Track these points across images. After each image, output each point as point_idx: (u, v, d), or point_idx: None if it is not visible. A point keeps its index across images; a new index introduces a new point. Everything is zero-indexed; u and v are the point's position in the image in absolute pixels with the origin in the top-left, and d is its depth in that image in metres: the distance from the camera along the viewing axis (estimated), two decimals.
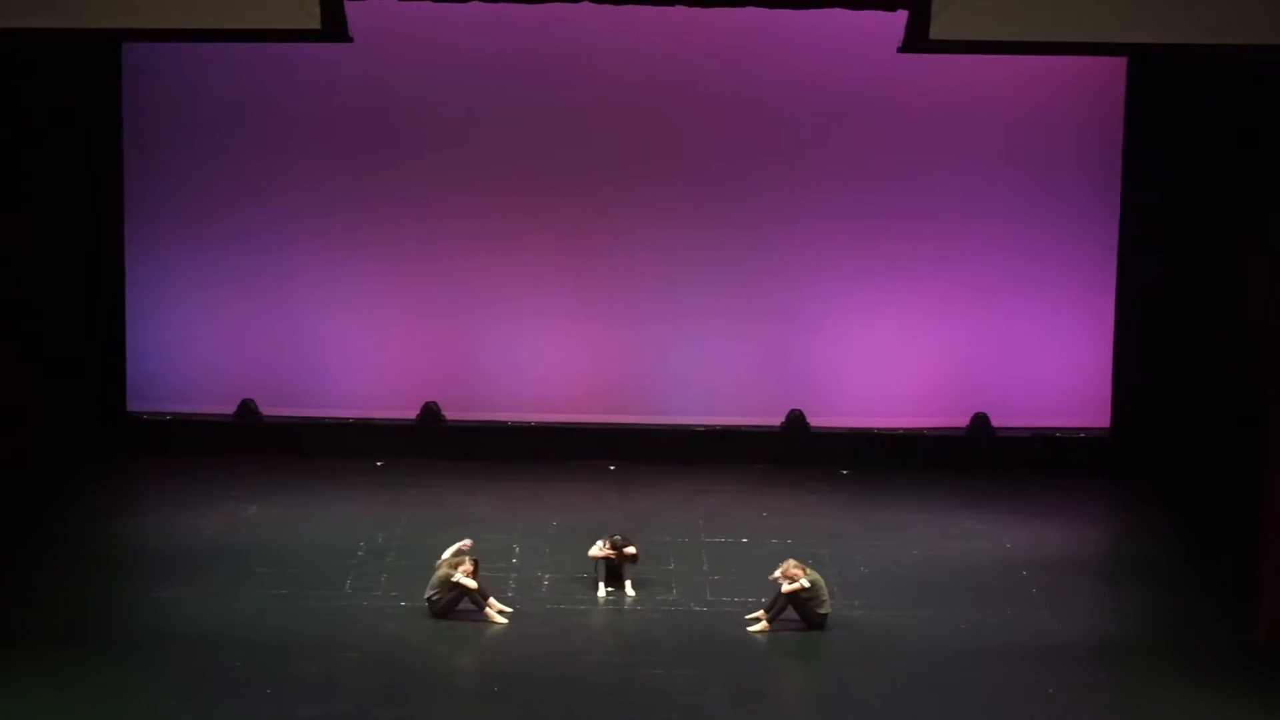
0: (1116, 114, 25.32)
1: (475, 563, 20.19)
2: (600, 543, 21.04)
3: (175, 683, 18.21)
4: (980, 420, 25.84)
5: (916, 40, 19.14)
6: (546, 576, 21.46)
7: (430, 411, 25.93)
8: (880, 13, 20.12)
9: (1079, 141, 25.51)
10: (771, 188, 25.55)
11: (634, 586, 20.96)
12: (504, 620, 20.07)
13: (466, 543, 20.45)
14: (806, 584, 19.88)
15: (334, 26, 19.01)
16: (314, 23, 18.81)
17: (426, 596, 20.12)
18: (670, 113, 25.42)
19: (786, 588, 19.89)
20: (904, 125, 25.42)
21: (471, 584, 20.01)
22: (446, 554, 20.34)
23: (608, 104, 25.42)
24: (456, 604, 20.06)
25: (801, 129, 25.46)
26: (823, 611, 19.96)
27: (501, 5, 22.13)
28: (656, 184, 25.56)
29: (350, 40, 19.63)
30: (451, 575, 20.04)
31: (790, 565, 20.04)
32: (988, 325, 25.79)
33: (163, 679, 18.33)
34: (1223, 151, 24.52)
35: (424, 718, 17.91)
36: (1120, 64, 24.99)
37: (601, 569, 21.01)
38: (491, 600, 20.17)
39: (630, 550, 21.01)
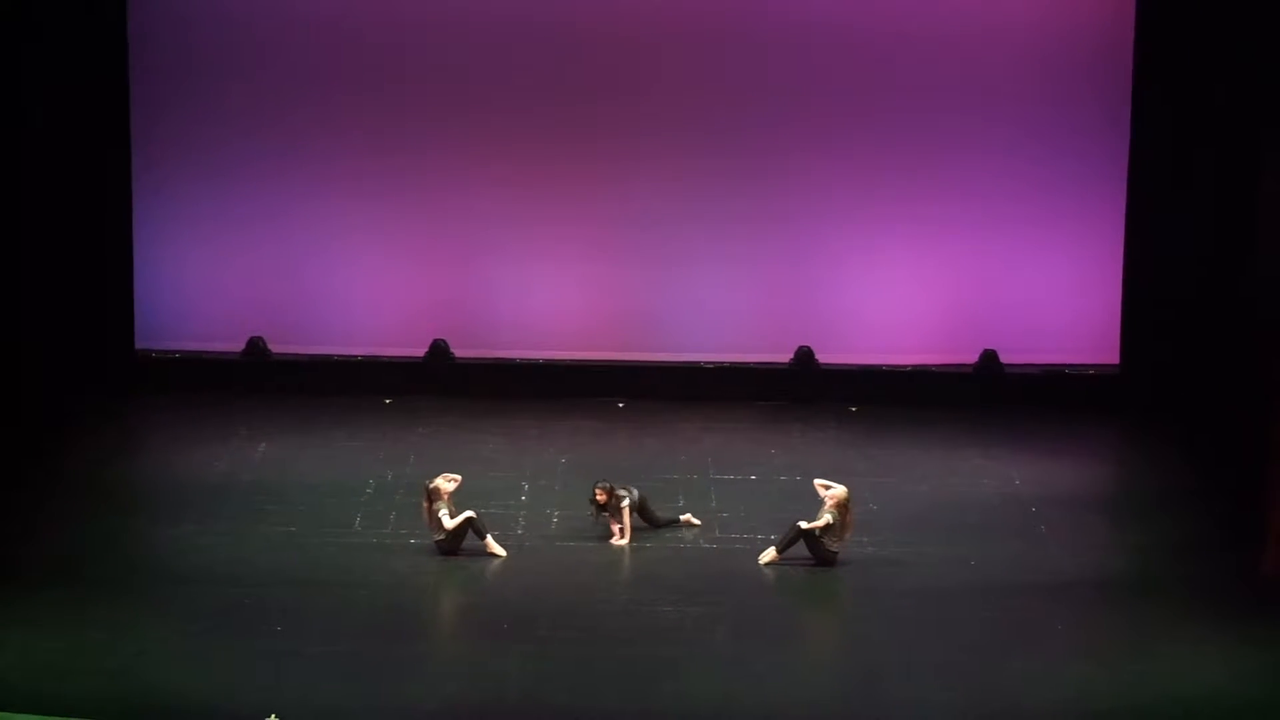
0: (1125, 42, 25.01)
1: (454, 482, 20.10)
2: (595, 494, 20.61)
3: (184, 619, 18.23)
4: (989, 357, 25.78)
5: None
6: (555, 514, 21.45)
7: (439, 349, 25.89)
8: None
9: (1087, 71, 25.24)
10: (777, 122, 25.40)
11: (623, 535, 20.57)
12: (503, 553, 20.05)
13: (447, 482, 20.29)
14: (831, 520, 19.79)
15: None
16: None
17: (435, 539, 20.10)
18: (675, 47, 25.26)
19: (805, 525, 19.84)
20: (908, 57, 25.22)
21: (461, 520, 19.93)
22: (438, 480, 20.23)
23: (613, 39, 25.29)
24: (462, 540, 20.04)
25: (805, 63, 25.28)
26: (834, 549, 19.94)
27: None
28: (663, 119, 25.43)
29: None
30: (441, 514, 19.94)
31: (835, 495, 19.84)
32: (997, 261, 25.67)
33: (171, 616, 18.34)
34: (1236, 78, 24.25)
35: (434, 654, 17.95)
36: None
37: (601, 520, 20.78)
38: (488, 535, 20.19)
39: (623, 500, 20.49)
